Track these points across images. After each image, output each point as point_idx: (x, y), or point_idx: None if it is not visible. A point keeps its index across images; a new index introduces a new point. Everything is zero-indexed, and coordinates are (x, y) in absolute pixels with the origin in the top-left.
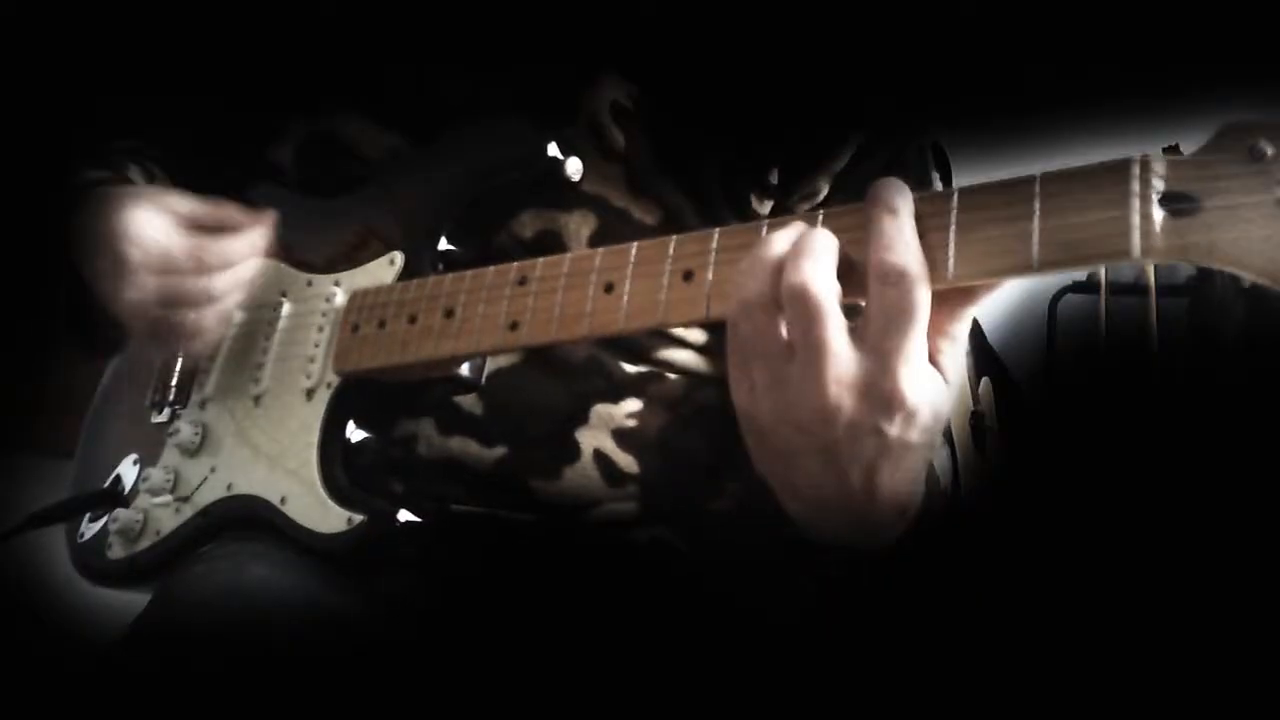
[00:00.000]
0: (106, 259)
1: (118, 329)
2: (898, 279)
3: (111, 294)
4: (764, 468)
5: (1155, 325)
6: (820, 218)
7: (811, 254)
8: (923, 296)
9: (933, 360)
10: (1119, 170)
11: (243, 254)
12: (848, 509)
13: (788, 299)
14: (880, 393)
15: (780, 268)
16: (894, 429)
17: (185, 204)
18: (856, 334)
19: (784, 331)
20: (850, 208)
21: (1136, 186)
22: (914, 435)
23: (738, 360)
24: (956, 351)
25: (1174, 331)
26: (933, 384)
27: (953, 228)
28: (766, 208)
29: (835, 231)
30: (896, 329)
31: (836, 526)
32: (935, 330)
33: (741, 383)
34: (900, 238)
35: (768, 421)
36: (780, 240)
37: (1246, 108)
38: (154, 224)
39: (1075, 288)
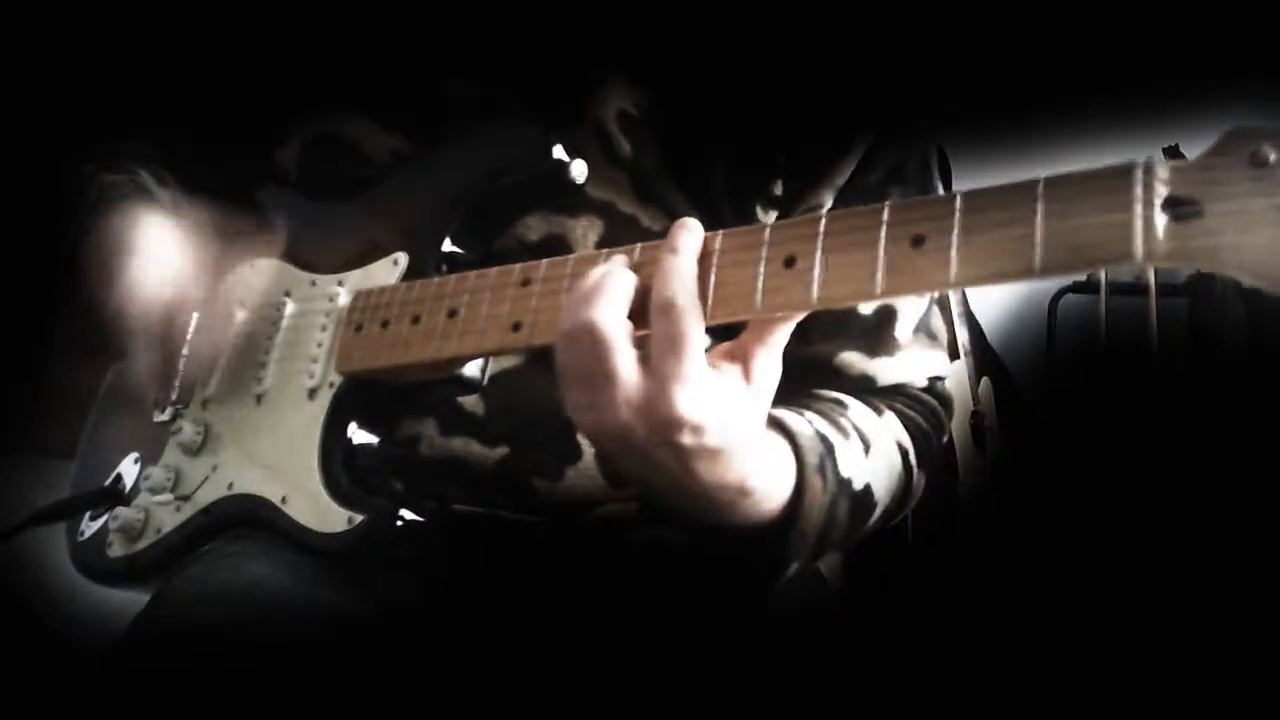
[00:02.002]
0: (113, 265)
1: (115, 335)
2: (667, 309)
3: (113, 300)
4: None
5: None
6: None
7: (605, 293)
8: (692, 325)
9: (746, 368)
10: (1122, 174)
11: (250, 277)
12: (686, 493)
13: (583, 333)
14: (660, 413)
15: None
16: (685, 439)
17: (199, 217)
18: (644, 361)
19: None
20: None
21: (1140, 191)
22: (710, 440)
23: (563, 383)
24: (771, 358)
25: (1174, 331)
26: (718, 397)
27: (956, 231)
28: (772, 218)
29: (837, 234)
30: (670, 355)
31: (688, 507)
32: (754, 339)
33: (568, 399)
34: (676, 273)
35: (590, 431)
36: (588, 279)
37: (1247, 109)
38: (164, 236)
39: (1075, 288)
